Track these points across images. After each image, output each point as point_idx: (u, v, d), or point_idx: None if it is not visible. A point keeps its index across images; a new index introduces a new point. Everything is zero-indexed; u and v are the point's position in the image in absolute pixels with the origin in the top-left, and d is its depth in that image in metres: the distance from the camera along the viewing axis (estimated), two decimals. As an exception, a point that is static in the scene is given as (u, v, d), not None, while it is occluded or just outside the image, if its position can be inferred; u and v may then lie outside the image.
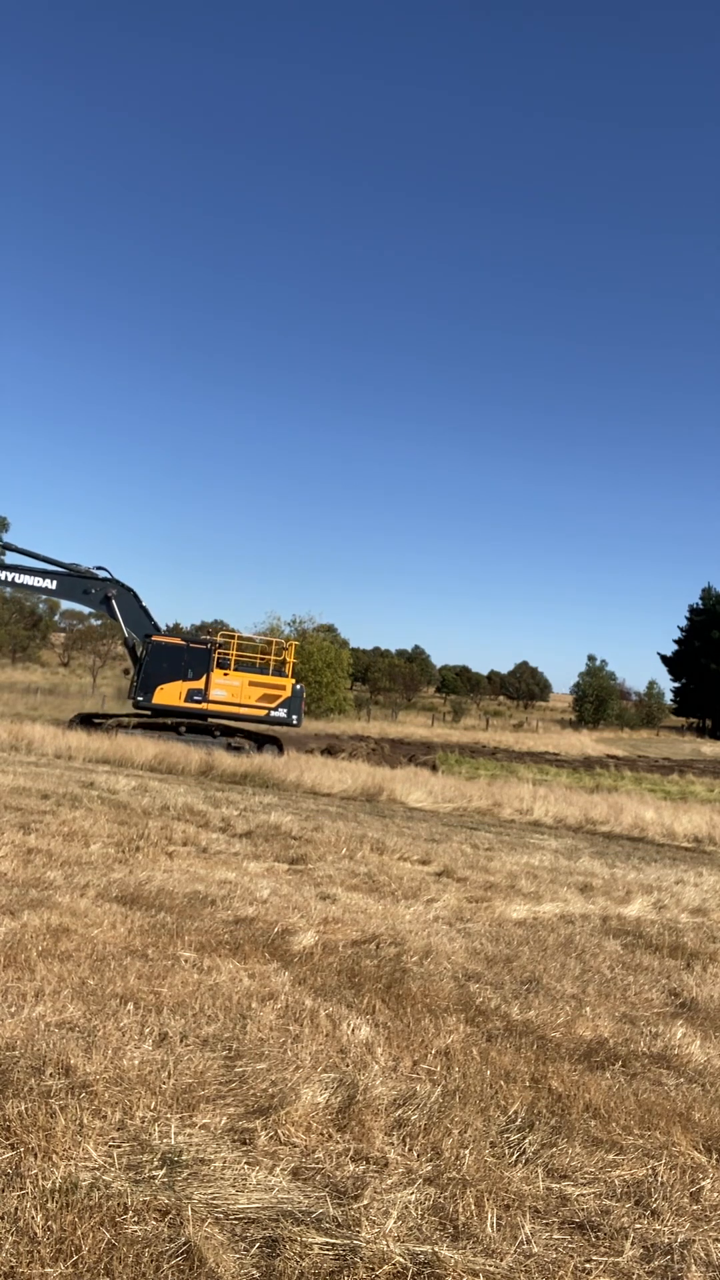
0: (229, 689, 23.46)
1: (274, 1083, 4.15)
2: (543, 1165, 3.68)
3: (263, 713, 23.61)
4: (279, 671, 24.27)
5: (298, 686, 24.29)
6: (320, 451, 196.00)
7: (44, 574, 23.85)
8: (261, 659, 24.80)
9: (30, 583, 23.86)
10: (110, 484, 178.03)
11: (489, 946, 7.01)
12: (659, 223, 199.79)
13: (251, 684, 23.63)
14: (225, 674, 23.58)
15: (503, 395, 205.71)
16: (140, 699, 23.42)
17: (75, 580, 23.99)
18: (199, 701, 23.34)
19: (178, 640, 24.34)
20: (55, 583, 23.93)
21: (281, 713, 23.66)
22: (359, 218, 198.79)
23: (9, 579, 23.72)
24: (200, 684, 23.34)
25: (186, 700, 23.32)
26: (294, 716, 23.82)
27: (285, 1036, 4.72)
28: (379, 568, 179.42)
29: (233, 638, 24.97)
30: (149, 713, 23.66)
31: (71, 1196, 3.11)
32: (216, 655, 23.70)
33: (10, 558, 23.79)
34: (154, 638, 23.77)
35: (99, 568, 24.16)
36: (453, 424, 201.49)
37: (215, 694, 23.38)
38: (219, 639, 24.62)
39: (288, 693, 23.76)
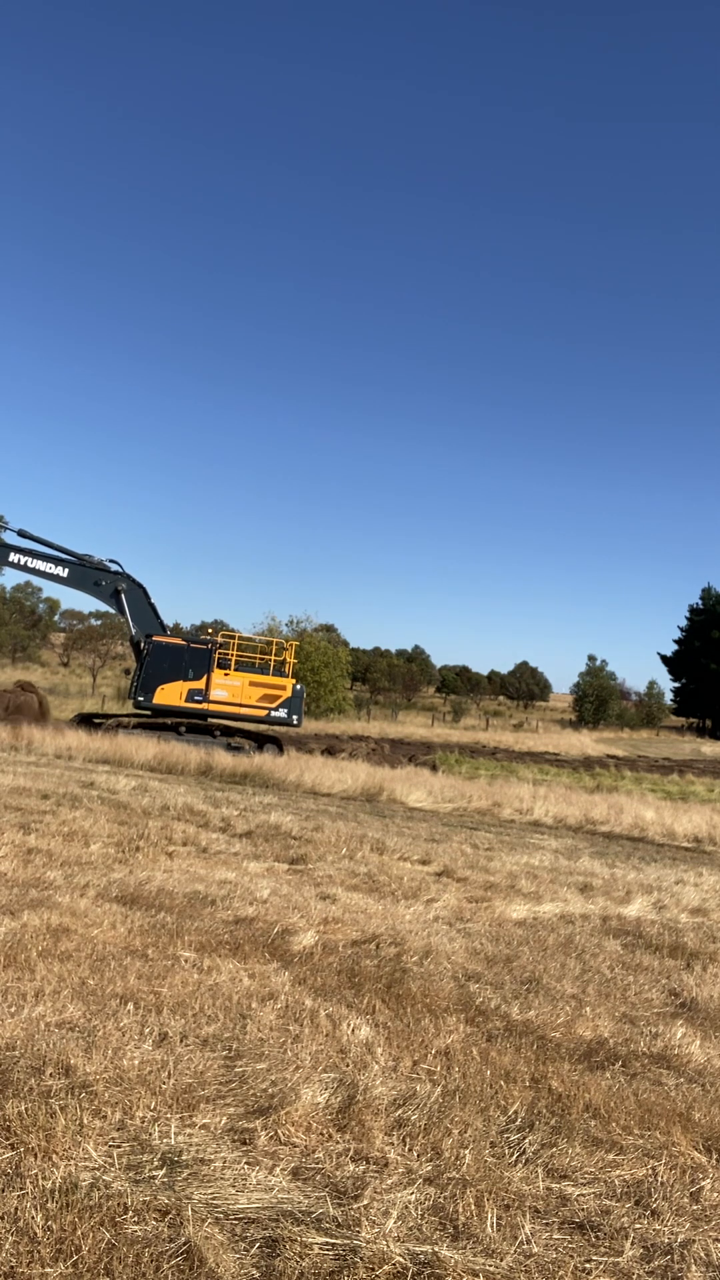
0: (229, 689, 23.47)
1: (274, 1083, 4.15)
2: (543, 1165, 3.68)
3: (263, 713, 23.62)
4: (279, 672, 24.28)
5: (298, 687, 24.30)
6: (320, 451, 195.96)
7: (56, 561, 23.78)
8: (261, 659, 24.81)
9: (42, 568, 23.72)
10: (109, 484, 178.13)
11: (489, 946, 7.01)
12: (659, 222, 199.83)
13: (252, 684, 23.65)
14: (226, 674, 23.59)
15: (503, 395, 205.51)
16: (141, 699, 23.43)
17: (87, 570, 23.90)
18: (199, 701, 23.34)
19: (178, 640, 24.34)
20: (67, 570, 23.83)
21: (282, 713, 23.68)
22: (359, 217, 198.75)
23: (21, 562, 23.61)
24: (201, 684, 23.35)
25: (187, 700, 23.33)
26: (294, 717, 23.83)
27: (285, 1036, 4.72)
28: (379, 568, 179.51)
29: (233, 638, 24.98)
30: (149, 713, 23.67)
31: (71, 1196, 3.11)
32: (217, 655, 23.71)
33: (24, 543, 23.73)
34: (155, 638, 23.77)
35: (112, 560, 24.14)
36: (453, 424, 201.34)
37: (216, 694, 23.39)
38: (219, 639, 24.62)
39: (288, 693, 23.77)
